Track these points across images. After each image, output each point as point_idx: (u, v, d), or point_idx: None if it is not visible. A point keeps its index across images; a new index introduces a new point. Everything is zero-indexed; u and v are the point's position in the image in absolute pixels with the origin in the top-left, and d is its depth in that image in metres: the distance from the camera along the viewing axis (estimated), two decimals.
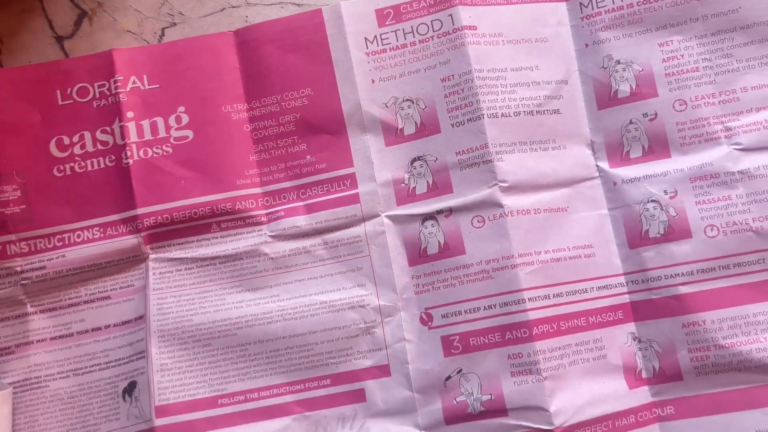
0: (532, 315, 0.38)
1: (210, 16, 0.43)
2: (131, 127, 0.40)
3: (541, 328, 0.38)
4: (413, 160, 0.41)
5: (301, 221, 0.40)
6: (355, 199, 0.40)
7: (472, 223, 0.39)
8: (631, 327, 0.39)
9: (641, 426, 0.37)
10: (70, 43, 0.43)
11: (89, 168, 0.40)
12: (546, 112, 0.41)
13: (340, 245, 0.40)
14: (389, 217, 0.40)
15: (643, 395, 0.38)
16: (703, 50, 0.40)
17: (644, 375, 0.38)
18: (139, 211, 0.39)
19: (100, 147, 0.40)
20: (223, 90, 0.41)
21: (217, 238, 0.40)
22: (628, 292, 0.39)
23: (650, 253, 0.39)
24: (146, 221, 0.39)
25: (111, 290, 0.40)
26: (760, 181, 0.39)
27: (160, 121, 0.41)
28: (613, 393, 0.38)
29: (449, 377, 0.38)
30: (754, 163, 0.39)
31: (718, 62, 0.40)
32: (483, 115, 0.40)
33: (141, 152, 0.40)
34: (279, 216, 0.40)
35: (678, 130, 0.40)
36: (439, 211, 0.40)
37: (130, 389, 0.38)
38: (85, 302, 0.39)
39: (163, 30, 0.43)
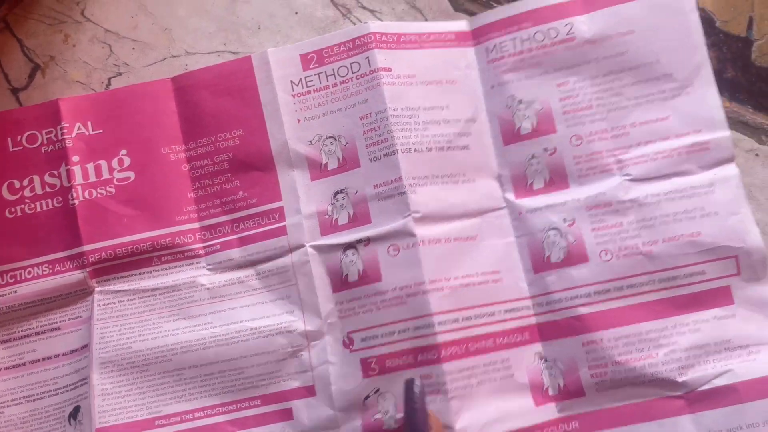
0: (441, 338, 0.40)
1: (152, 65, 0.46)
2: (77, 170, 0.42)
3: (449, 350, 0.40)
4: (336, 193, 0.43)
5: (235, 254, 0.42)
6: (282, 231, 0.42)
7: (388, 252, 0.41)
8: (537, 347, 0.41)
9: None
10: (25, 94, 0.45)
11: (38, 209, 0.42)
12: (456, 148, 0.43)
13: (270, 275, 0.42)
14: (314, 247, 0.42)
15: (549, 412, 0.40)
16: (596, 90, 0.42)
17: (551, 392, 0.40)
18: (85, 248, 0.41)
19: (48, 189, 0.43)
20: (162, 133, 0.43)
21: (158, 270, 0.42)
22: (535, 315, 0.41)
23: (552, 278, 0.41)
24: (91, 257, 0.41)
25: (60, 322, 0.42)
26: (648, 208, 0.41)
27: (103, 163, 0.43)
28: (520, 410, 0.40)
29: (368, 397, 0.40)
30: (643, 192, 0.41)
31: (609, 100, 0.42)
32: (397, 150, 0.42)
33: (86, 193, 0.42)
34: (215, 249, 0.43)
35: (575, 163, 0.42)
36: (359, 241, 0.42)
37: (74, 413, 0.40)
38: (37, 333, 0.42)
39: (109, 79, 0.45)
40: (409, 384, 0.34)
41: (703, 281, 0.40)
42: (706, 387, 0.39)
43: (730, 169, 0.41)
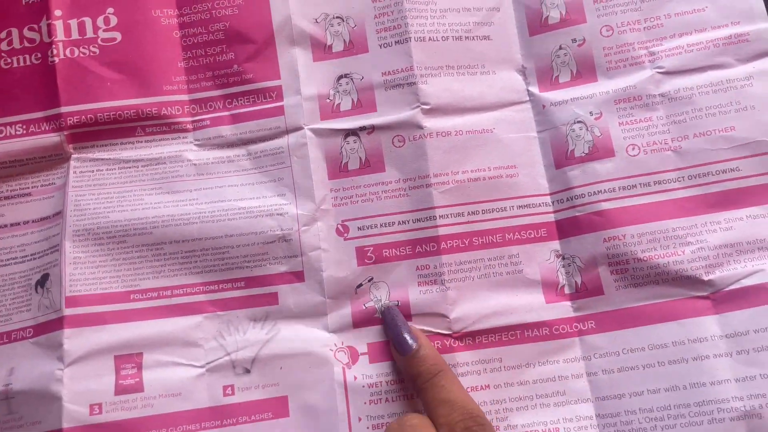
0: (442, 231, 0.41)
1: None
2: (59, 25, 0.43)
3: (450, 243, 0.41)
4: (339, 77, 0.44)
5: (227, 131, 0.43)
6: (280, 111, 0.43)
7: (393, 142, 0.43)
8: (555, 244, 0.42)
9: (559, 338, 0.40)
10: None
11: (15, 65, 0.43)
12: (476, 38, 0.44)
13: (263, 156, 0.43)
14: (312, 130, 0.43)
15: (563, 310, 0.41)
16: None
17: (567, 291, 0.41)
18: (63, 109, 0.42)
19: (27, 44, 0.43)
20: None
21: (141, 142, 0.43)
22: (554, 211, 0.42)
23: (575, 172, 0.42)
24: (70, 120, 0.42)
25: (32, 187, 0.42)
26: (679, 103, 0.42)
27: (88, 21, 0.43)
28: (527, 306, 0.41)
29: (360, 285, 0.41)
30: (675, 86, 0.42)
31: None
32: (410, 38, 0.43)
33: (67, 51, 0.43)
34: (205, 125, 0.43)
35: (604, 54, 0.43)
36: (362, 128, 0.43)
37: (42, 281, 0.40)
38: (6, 198, 0.42)
39: None
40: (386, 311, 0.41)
41: (737, 178, 0.41)
42: (734, 286, 0.39)
43: None
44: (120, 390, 0.38)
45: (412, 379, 0.38)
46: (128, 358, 0.39)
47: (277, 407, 0.39)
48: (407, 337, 0.39)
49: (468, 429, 0.35)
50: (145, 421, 0.38)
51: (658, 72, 0.43)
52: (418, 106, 0.42)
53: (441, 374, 0.37)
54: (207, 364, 0.40)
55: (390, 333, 0.40)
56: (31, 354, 0.39)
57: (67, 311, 0.39)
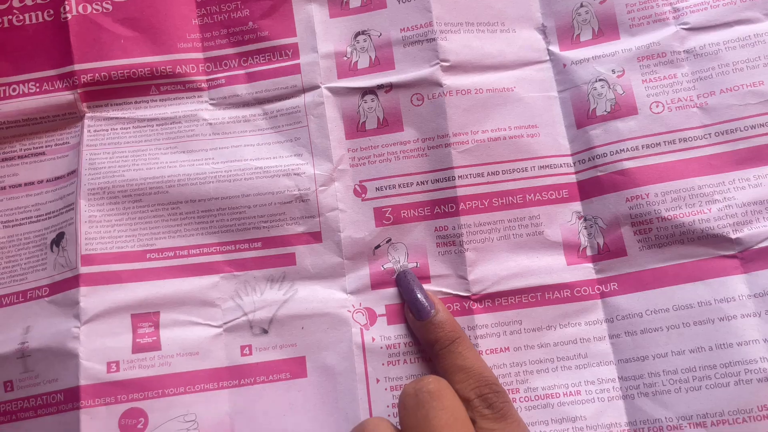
0: (461, 192, 0.41)
1: None
2: None
3: (468, 203, 0.41)
4: (357, 34, 0.43)
5: (242, 90, 0.43)
6: (296, 69, 0.43)
7: (411, 101, 0.42)
8: (576, 206, 0.41)
9: (580, 300, 0.40)
10: None
11: (27, 21, 0.43)
12: None
13: (279, 115, 0.43)
14: (329, 89, 0.43)
15: (585, 272, 0.40)
16: None
17: (589, 252, 0.41)
18: (77, 67, 0.42)
19: (39, 0, 0.43)
20: None
21: (156, 101, 0.43)
22: (575, 172, 0.42)
23: (597, 131, 0.42)
24: (83, 78, 0.42)
25: (46, 146, 0.42)
26: (705, 59, 0.41)
27: None
28: (547, 267, 0.40)
29: (378, 246, 0.41)
30: (700, 42, 0.42)
31: None
32: None
33: (80, 8, 0.43)
34: (220, 83, 0.43)
35: (627, 11, 0.43)
36: (380, 86, 0.42)
37: (57, 240, 0.40)
38: (20, 157, 0.42)
39: None
40: (401, 275, 0.40)
41: (766, 134, 0.40)
42: (763, 244, 0.39)
43: None
44: (137, 348, 0.39)
45: (428, 345, 0.38)
46: (145, 317, 0.39)
47: (295, 367, 0.39)
48: (425, 302, 0.39)
49: (483, 396, 0.35)
50: (163, 379, 0.38)
51: (683, 28, 0.42)
52: (438, 63, 0.42)
53: (458, 341, 0.37)
54: (224, 324, 0.40)
55: (406, 298, 0.39)
56: (47, 312, 0.39)
57: (83, 269, 0.39)
